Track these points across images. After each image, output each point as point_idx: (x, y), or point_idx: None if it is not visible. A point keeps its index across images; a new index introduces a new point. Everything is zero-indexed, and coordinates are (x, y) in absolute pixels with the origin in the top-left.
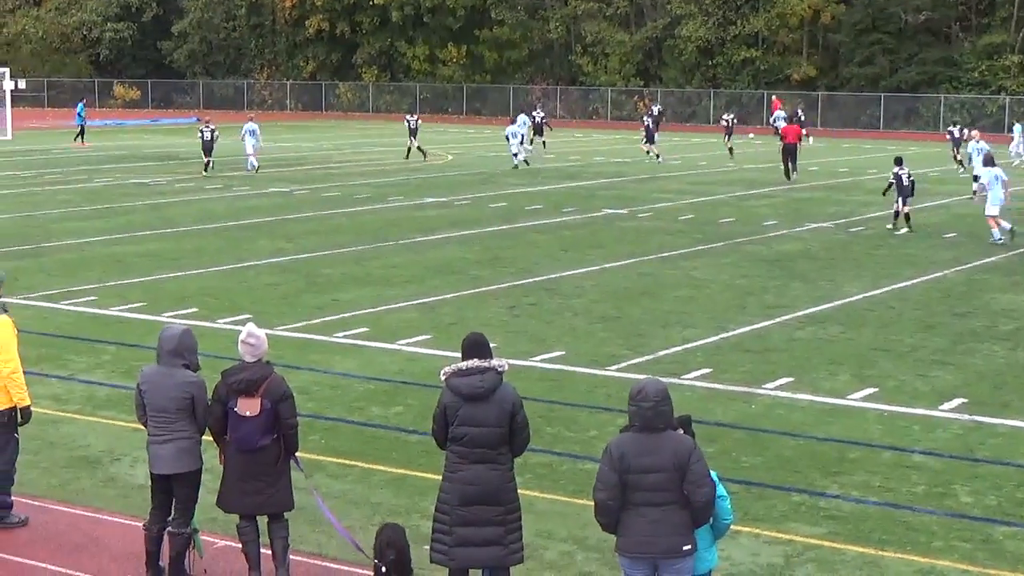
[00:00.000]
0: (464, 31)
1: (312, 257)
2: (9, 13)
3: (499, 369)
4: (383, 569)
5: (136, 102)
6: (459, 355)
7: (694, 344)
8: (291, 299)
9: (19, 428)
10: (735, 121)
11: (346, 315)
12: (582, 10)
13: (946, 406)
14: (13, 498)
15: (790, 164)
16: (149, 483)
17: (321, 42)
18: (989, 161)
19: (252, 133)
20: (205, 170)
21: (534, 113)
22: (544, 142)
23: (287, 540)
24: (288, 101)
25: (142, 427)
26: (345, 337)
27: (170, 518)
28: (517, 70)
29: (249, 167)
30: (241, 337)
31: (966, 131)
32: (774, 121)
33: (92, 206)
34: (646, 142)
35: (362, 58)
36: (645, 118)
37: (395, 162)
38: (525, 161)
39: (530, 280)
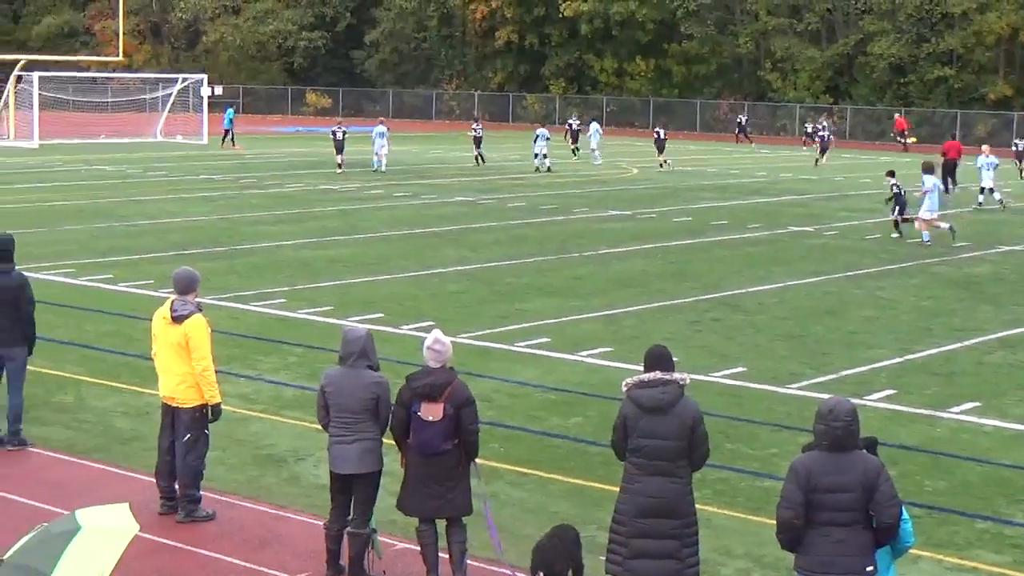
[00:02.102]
0: (653, 45)
1: (496, 266)
2: (209, 21)
3: (681, 382)
4: None
5: (327, 110)
6: (640, 368)
7: (878, 365)
8: (474, 307)
9: (209, 425)
10: (830, 137)
11: (528, 324)
12: (772, 25)
13: None
14: (202, 493)
15: (949, 181)
16: (330, 483)
17: (510, 54)
18: (929, 169)
19: (381, 135)
20: (339, 168)
21: (569, 121)
22: (575, 149)
23: (465, 544)
24: (476, 111)
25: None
26: (527, 346)
27: (349, 518)
28: (705, 85)
29: (376, 165)
30: (427, 343)
31: None
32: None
33: (283, 211)
34: (821, 153)
35: (550, 70)
36: (821, 132)
37: (581, 174)
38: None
39: (713, 295)
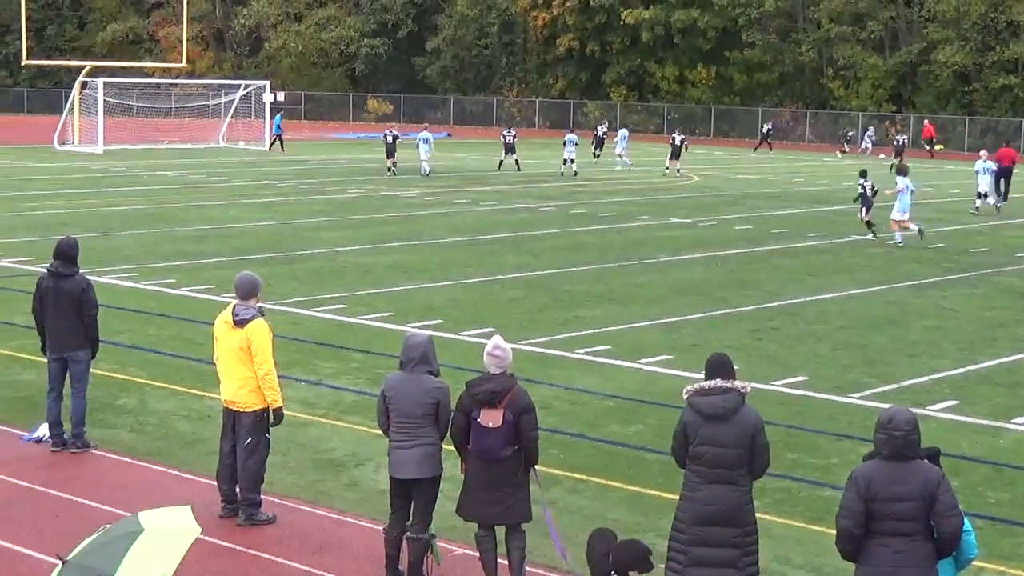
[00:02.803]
0: (714, 52)
1: (556, 273)
2: (271, 28)
3: (742, 390)
4: None
5: (388, 116)
6: (701, 376)
7: (941, 375)
8: (534, 314)
9: (270, 429)
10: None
11: (588, 332)
12: (835, 33)
13: None
14: (262, 497)
15: (1002, 185)
16: (389, 488)
17: (571, 61)
18: (902, 171)
19: (426, 141)
20: (389, 171)
21: (598, 127)
22: (596, 154)
23: (524, 551)
24: (536, 118)
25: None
26: (586, 353)
27: (408, 523)
28: (766, 93)
29: (423, 171)
30: (487, 349)
31: None
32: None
33: (344, 216)
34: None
35: (611, 77)
36: (899, 138)
37: (641, 181)
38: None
39: (774, 304)
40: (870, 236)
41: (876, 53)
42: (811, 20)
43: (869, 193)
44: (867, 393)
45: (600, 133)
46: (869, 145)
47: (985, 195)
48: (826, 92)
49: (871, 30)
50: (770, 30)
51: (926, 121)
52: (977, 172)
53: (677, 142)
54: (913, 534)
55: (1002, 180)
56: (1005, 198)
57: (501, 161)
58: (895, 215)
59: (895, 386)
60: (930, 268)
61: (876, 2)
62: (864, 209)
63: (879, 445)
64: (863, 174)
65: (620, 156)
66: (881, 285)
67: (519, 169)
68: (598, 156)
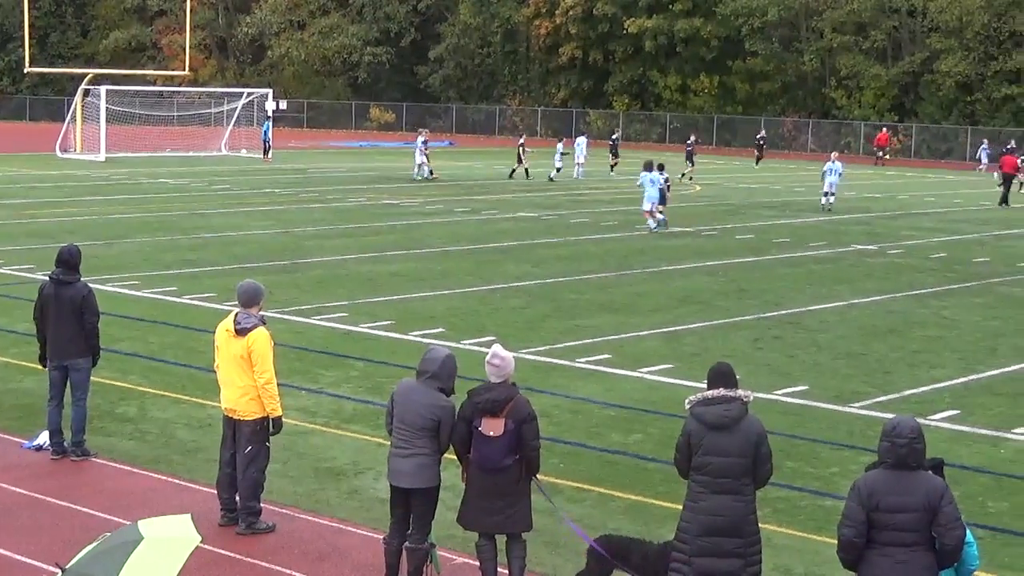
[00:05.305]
0: (717, 62)
1: (558, 282)
2: (274, 36)
3: (745, 399)
4: None
5: (391, 125)
6: (702, 385)
7: (942, 385)
8: (535, 323)
9: (271, 438)
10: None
11: (589, 341)
12: (838, 43)
13: None
14: (262, 505)
15: (1004, 191)
16: (389, 496)
17: (574, 70)
18: (647, 167)
19: (422, 144)
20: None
21: (614, 136)
22: (612, 165)
23: (524, 560)
24: (539, 127)
25: (385, 441)
26: (588, 362)
27: (408, 532)
28: (769, 102)
29: (422, 175)
30: (488, 358)
31: None
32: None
33: (345, 225)
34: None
35: (613, 86)
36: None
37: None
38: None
39: (775, 313)
40: (653, 225)
41: (879, 63)
42: (814, 30)
43: (662, 186)
44: (868, 403)
45: (613, 139)
46: (985, 161)
47: (831, 194)
48: (828, 101)
49: (874, 40)
50: (773, 39)
51: (884, 130)
52: (824, 172)
53: (689, 147)
54: (914, 545)
55: (1002, 187)
56: (1007, 203)
57: (513, 170)
58: (645, 205)
59: (896, 396)
60: (931, 278)
61: (879, 12)
62: (652, 201)
63: (883, 453)
64: (660, 168)
65: (579, 165)
66: (882, 295)
67: (519, 174)
68: (612, 168)
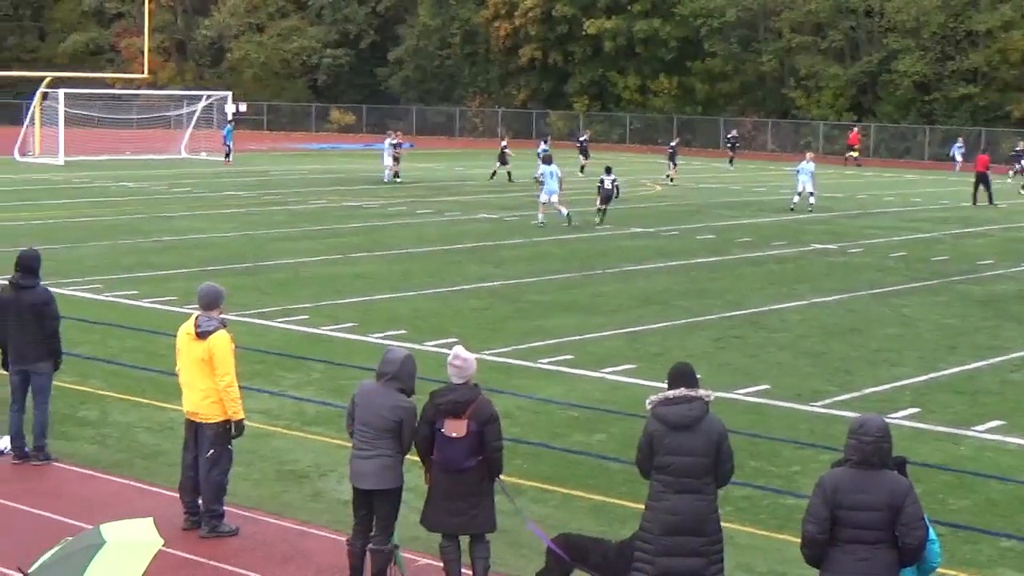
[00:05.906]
0: (676, 62)
1: (520, 283)
2: (233, 39)
3: (706, 399)
4: None
5: (351, 127)
6: (664, 385)
7: (902, 383)
8: (497, 324)
9: (233, 441)
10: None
11: (552, 341)
12: (796, 43)
13: None
14: (225, 508)
15: (981, 190)
16: (352, 499)
17: (533, 71)
18: (546, 160)
19: (390, 147)
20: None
21: (582, 137)
22: (583, 166)
23: (488, 561)
24: (499, 128)
25: (347, 443)
26: (550, 363)
27: (372, 534)
28: (729, 102)
29: (387, 177)
30: (449, 359)
31: None
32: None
33: (307, 227)
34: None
35: (573, 88)
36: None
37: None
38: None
39: (737, 313)
40: (598, 222)
41: (837, 63)
42: (772, 30)
43: (610, 187)
44: (829, 401)
45: (581, 140)
46: (959, 159)
47: (810, 194)
48: (787, 102)
49: (832, 40)
50: (732, 40)
51: (855, 130)
52: (797, 171)
53: (671, 149)
54: (877, 543)
55: (981, 186)
56: (991, 201)
57: (494, 172)
58: (542, 197)
59: (857, 394)
60: (892, 276)
61: (836, 12)
62: (601, 200)
63: (848, 451)
64: (607, 171)
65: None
66: (843, 293)
67: (511, 181)
68: (584, 169)
